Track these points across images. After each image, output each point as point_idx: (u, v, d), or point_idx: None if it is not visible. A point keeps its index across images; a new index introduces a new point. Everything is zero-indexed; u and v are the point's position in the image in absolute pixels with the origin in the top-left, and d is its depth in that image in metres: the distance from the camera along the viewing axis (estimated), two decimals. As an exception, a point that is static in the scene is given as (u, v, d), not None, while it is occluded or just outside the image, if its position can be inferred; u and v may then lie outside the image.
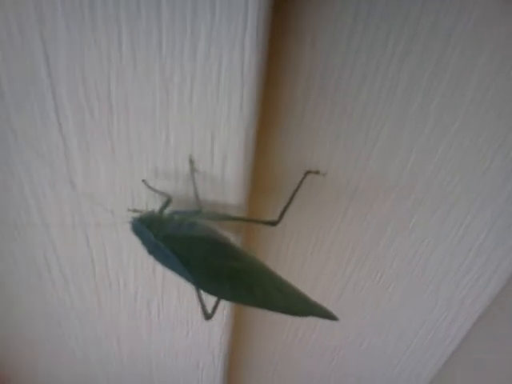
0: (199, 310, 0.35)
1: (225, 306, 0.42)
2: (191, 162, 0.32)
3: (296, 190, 0.34)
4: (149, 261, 0.33)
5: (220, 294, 0.34)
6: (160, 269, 0.39)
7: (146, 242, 0.31)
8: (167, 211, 0.32)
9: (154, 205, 0.33)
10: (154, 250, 0.31)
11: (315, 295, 0.33)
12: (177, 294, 0.42)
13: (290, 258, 0.44)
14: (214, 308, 0.36)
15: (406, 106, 0.33)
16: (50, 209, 0.36)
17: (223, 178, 0.33)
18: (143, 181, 0.33)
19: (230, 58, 0.27)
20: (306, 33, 0.30)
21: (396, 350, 0.53)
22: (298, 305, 0.33)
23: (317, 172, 0.36)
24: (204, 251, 0.31)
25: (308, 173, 0.35)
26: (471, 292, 0.46)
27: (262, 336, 0.52)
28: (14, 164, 0.33)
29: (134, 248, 0.37)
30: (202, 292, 0.34)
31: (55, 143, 0.32)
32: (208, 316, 0.35)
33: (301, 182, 0.35)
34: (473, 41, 0.30)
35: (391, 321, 0.50)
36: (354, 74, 0.32)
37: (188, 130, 0.31)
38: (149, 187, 0.33)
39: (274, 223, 0.33)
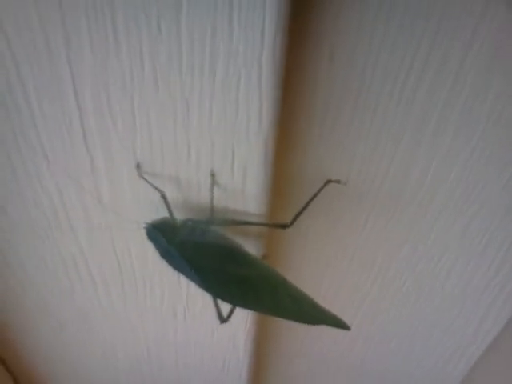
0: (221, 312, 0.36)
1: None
2: (212, 175, 0.33)
3: (314, 196, 0.34)
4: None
5: (230, 300, 0.34)
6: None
7: (158, 247, 0.32)
8: (181, 218, 0.33)
9: (176, 215, 0.34)
10: (166, 254, 0.32)
11: (337, 303, 0.34)
12: (202, 298, 0.43)
13: (312, 267, 0.44)
14: (231, 312, 0.36)
15: (425, 118, 0.33)
16: (78, 218, 0.37)
17: (244, 190, 0.34)
18: (137, 168, 0.33)
19: (248, 75, 0.28)
20: (324, 47, 0.30)
21: (422, 352, 0.53)
22: (310, 312, 0.33)
23: (338, 181, 0.36)
24: (214, 258, 0.32)
25: (328, 182, 0.35)
26: (496, 300, 0.45)
27: (288, 334, 0.52)
28: (45, 181, 0.35)
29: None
30: None
31: (83, 162, 0.33)
32: (223, 320, 0.36)
33: (320, 189, 0.35)
34: (488, 60, 0.30)
35: (414, 328, 0.50)
36: (372, 86, 0.32)
37: (208, 145, 0.32)
38: (143, 178, 0.33)
39: (285, 226, 0.33)
